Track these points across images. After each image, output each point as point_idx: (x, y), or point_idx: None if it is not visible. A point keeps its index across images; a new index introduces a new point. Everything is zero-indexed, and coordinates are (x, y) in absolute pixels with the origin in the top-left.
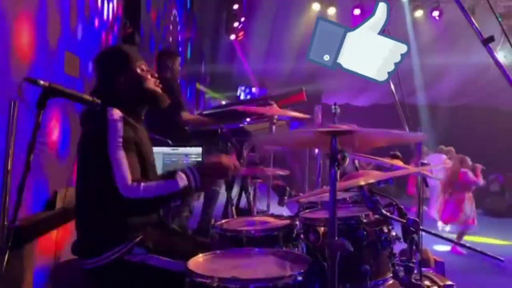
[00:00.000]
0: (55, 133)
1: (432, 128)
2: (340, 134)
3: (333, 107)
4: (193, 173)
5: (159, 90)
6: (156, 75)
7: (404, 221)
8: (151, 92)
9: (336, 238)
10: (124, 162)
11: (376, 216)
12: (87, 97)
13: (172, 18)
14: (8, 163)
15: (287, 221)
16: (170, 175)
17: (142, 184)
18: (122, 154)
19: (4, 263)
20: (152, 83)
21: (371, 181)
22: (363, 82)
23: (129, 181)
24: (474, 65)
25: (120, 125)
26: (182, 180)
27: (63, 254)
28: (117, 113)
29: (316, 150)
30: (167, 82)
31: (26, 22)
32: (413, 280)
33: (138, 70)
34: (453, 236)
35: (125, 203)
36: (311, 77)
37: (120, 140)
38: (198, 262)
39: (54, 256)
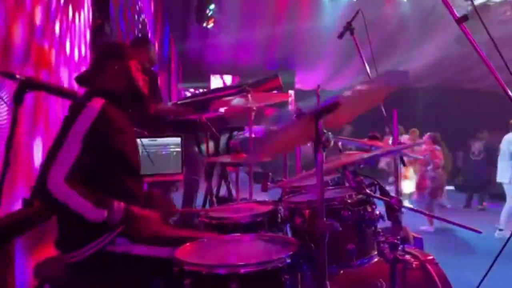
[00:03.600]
0: (29, 127)
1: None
2: (325, 113)
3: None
4: (117, 217)
5: (145, 93)
6: (147, 80)
7: (388, 199)
8: (138, 91)
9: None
10: (71, 155)
11: (360, 196)
12: (66, 89)
13: (137, 7)
14: None
15: (271, 207)
16: (100, 202)
17: (71, 190)
18: (76, 145)
19: None
20: (141, 84)
21: (353, 162)
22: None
23: (62, 179)
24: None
25: (93, 115)
26: (99, 215)
27: (45, 252)
28: (99, 102)
29: None
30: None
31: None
32: (398, 256)
33: (133, 67)
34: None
35: (43, 192)
36: (283, 63)
37: (83, 130)
38: (185, 250)
39: (35, 255)
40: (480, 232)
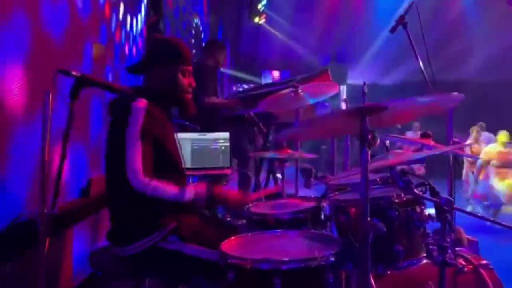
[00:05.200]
0: (86, 122)
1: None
2: (370, 113)
3: (364, 86)
4: (203, 194)
5: (188, 98)
6: (193, 85)
7: (438, 200)
8: (178, 99)
9: (369, 218)
10: (137, 153)
11: (408, 196)
12: (118, 86)
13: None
14: (45, 153)
15: (314, 203)
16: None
17: (153, 182)
18: (138, 144)
19: (46, 250)
20: (184, 90)
21: (402, 161)
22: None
23: (141, 175)
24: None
25: (142, 114)
26: (190, 194)
27: (99, 240)
28: (142, 102)
29: None
30: (205, 68)
31: None
32: (447, 260)
33: (180, 74)
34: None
35: (133, 194)
36: (335, 58)
37: (138, 129)
38: (230, 244)
39: (90, 243)
40: None
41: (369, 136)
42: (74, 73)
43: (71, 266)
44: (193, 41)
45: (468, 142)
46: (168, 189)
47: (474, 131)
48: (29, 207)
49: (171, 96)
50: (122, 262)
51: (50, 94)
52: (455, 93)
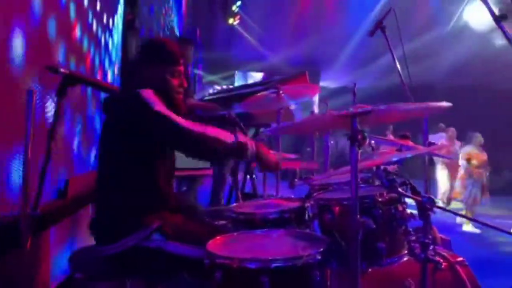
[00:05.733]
0: (65, 122)
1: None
2: (360, 115)
3: (353, 88)
4: (252, 145)
5: (178, 99)
6: (184, 85)
7: (420, 199)
8: (168, 99)
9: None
10: (170, 113)
11: (390, 195)
12: (106, 83)
13: (167, 5)
14: (28, 152)
15: (298, 203)
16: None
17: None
18: (164, 107)
19: (27, 249)
20: (174, 91)
21: (388, 161)
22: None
23: (182, 120)
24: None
25: (154, 97)
26: (242, 139)
27: (76, 242)
28: (149, 91)
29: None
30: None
31: None
32: (429, 256)
33: (168, 75)
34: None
35: (182, 131)
36: (308, 60)
37: (162, 104)
38: (216, 244)
39: (68, 245)
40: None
41: (359, 136)
42: (62, 70)
43: (49, 269)
44: None
45: (444, 143)
46: (219, 130)
47: (449, 133)
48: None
49: (161, 96)
50: (104, 262)
51: (34, 92)
52: (444, 102)
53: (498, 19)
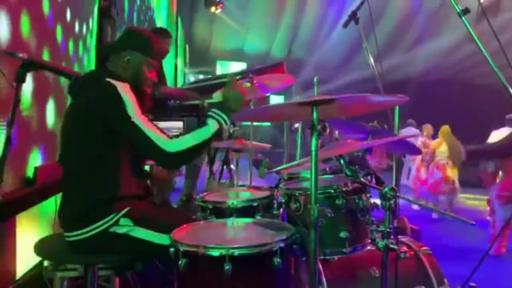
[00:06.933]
0: (33, 108)
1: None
2: (321, 104)
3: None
4: (221, 116)
5: (147, 92)
6: (155, 81)
7: (382, 188)
8: (138, 89)
9: (317, 205)
10: (151, 125)
11: (355, 185)
12: (67, 69)
13: None
14: None
15: (267, 192)
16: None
17: (178, 139)
18: (145, 119)
19: None
20: (145, 82)
21: (350, 150)
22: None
23: (167, 138)
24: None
25: (131, 94)
26: (214, 125)
27: (45, 229)
28: (126, 86)
29: (296, 124)
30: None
31: None
32: (389, 244)
33: (145, 65)
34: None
35: (171, 157)
36: (290, 52)
37: (137, 106)
38: (182, 231)
39: (35, 231)
40: (474, 224)
41: (319, 126)
42: (20, 55)
43: (14, 256)
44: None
45: (423, 138)
46: (193, 135)
47: (426, 128)
48: None
49: (132, 84)
50: (72, 248)
51: None
52: (401, 95)
53: (461, 14)
